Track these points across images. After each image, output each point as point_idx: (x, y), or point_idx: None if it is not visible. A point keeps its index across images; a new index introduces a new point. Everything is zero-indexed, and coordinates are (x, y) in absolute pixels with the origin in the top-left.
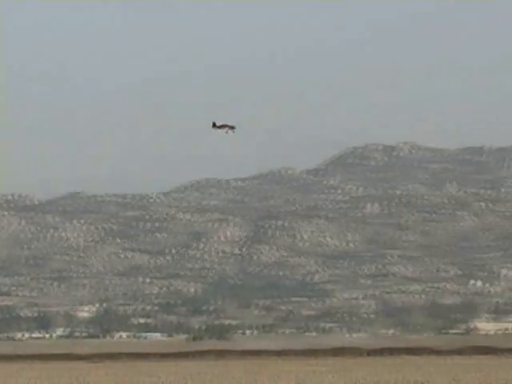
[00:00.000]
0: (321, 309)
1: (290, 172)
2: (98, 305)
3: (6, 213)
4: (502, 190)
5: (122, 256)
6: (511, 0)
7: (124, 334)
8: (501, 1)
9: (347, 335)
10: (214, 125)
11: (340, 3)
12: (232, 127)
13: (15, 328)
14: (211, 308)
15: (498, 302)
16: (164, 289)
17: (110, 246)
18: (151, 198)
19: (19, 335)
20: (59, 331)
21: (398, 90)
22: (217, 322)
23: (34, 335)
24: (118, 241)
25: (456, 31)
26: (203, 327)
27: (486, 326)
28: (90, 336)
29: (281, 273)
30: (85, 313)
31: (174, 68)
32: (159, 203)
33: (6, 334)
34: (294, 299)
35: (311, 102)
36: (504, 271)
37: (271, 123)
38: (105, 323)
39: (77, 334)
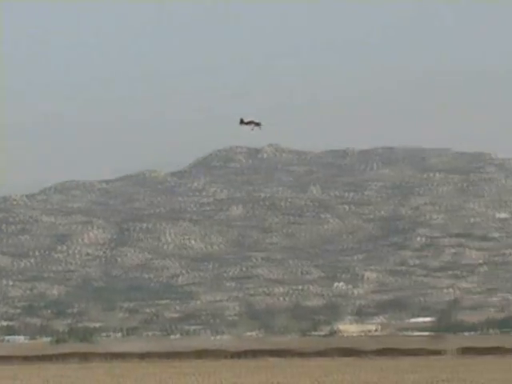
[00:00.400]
0: (185, 311)
1: (154, 174)
2: None
3: None
4: (365, 192)
5: None
6: None
7: None
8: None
9: (211, 337)
10: (242, 121)
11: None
12: (258, 123)
13: None
14: (75, 310)
15: (360, 304)
16: (27, 291)
17: None
18: (15, 200)
19: None
20: None
21: (263, 92)
22: (81, 325)
23: None
24: None
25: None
26: (67, 330)
27: (349, 328)
28: None
29: (145, 275)
30: None
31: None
32: (23, 205)
33: None
34: (158, 302)
35: (176, 104)
36: (367, 273)
37: (136, 125)
38: None
39: None
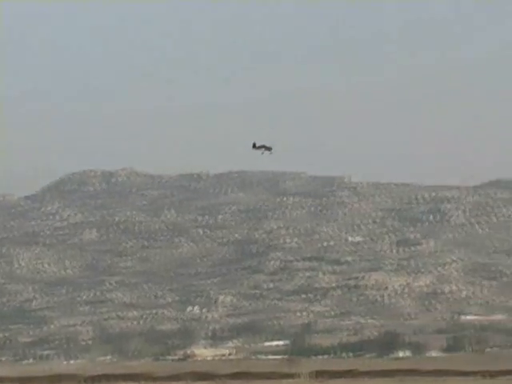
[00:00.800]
0: (38, 335)
1: (7, 198)
2: None
3: None
4: (219, 216)
5: None
6: None
7: None
8: None
9: (65, 362)
10: (254, 145)
11: None
12: (269, 148)
13: None
14: None
15: (215, 327)
16: None
17: None
18: None
19: None
20: None
21: (118, 116)
22: None
23: None
24: None
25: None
26: None
27: (203, 352)
28: None
29: None
30: None
31: None
32: None
33: None
34: (11, 326)
35: (32, 129)
36: (221, 297)
37: None
38: None
39: None
